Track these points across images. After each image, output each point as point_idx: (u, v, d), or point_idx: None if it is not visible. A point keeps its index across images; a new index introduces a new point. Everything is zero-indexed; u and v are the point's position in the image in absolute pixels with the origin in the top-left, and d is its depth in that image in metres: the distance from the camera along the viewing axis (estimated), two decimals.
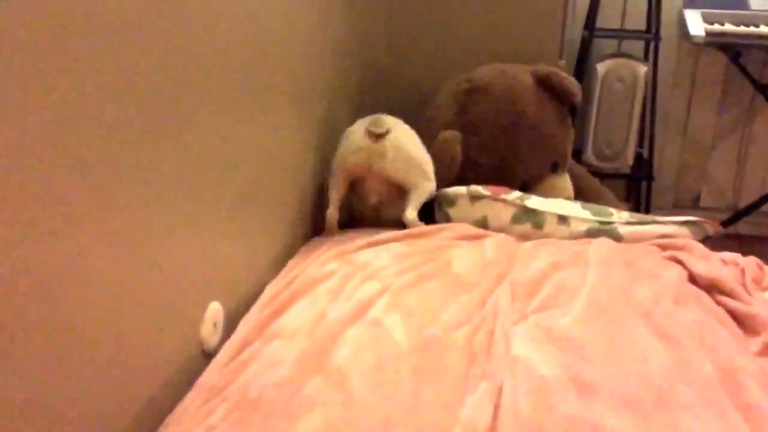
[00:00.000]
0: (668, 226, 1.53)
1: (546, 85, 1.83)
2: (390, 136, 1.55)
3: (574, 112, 1.93)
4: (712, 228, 1.52)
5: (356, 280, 1.29)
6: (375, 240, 1.48)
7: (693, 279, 1.31)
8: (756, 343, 1.07)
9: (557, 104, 1.86)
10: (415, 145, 1.60)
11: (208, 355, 1.12)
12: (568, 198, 1.88)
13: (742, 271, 1.33)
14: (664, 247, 1.48)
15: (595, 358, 1.05)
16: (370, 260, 1.37)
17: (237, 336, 1.13)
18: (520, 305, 1.25)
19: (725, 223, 2.53)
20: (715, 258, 1.37)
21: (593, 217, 1.57)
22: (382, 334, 1.10)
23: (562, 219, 1.57)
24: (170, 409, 0.99)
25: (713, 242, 2.50)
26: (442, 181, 1.70)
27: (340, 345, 1.07)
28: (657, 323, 1.13)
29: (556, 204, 1.61)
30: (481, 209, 1.59)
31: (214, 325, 1.14)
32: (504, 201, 1.59)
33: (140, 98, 0.90)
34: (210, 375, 1.03)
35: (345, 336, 1.09)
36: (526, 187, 1.82)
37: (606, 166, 2.49)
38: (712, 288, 1.25)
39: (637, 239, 1.52)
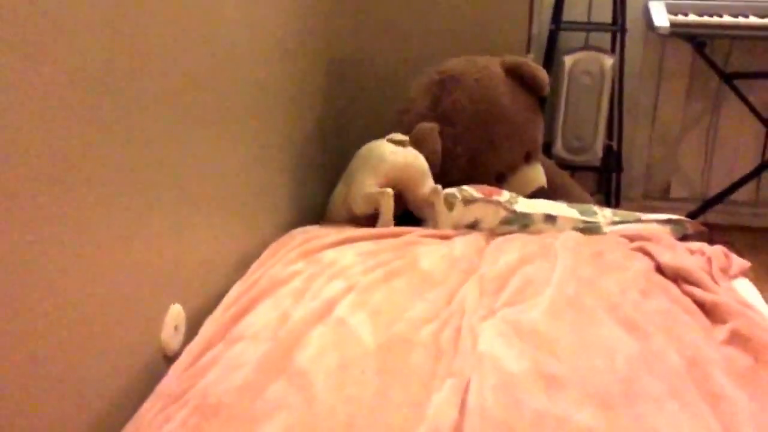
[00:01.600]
0: (650, 225, 1.53)
1: (516, 74, 1.83)
2: (410, 148, 1.64)
3: (543, 102, 1.92)
4: (692, 227, 1.53)
5: (322, 279, 1.27)
6: (344, 238, 1.46)
7: (660, 269, 1.31)
8: (722, 331, 1.07)
9: (527, 94, 1.85)
10: None
11: (169, 360, 1.09)
12: (541, 187, 1.87)
13: (709, 260, 1.33)
14: (631, 239, 1.48)
15: (563, 351, 1.04)
16: (336, 259, 1.35)
17: (199, 339, 1.10)
18: (488, 300, 1.23)
19: (694, 214, 2.55)
20: (681, 248, 1.37)
21: (579, 216, 1.56)
22: (347, 334, 1.08)
23: (549, 218, 1.57)
24: (128, 417, 0.96)
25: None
26: None
27: (304, 346, 1.04)
28: (624, 315, 1.12)
29: (543, 205, 1.60)
30: (473, 212, 1.58)
31: (175, 328, 1.11)
32: (497, 203, 1.57)
33: (96, 100, 0.87)
34: (170, 380, 1.00)
35: (309, 336, 1.07)
36: (502, 179, 1.81)
37: (576, 159, 2.49)
38: (678, 278, 1.25)
39: None
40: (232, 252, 1.37)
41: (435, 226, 1.59)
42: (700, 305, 1.15)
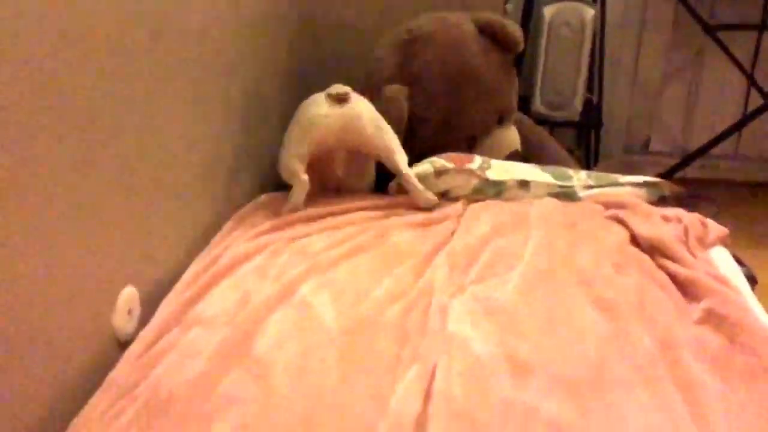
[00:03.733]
0: (626, 187, 1.48)
1: (488, 33, 1.74)
2: (353, 98, 1.44)
3: (518, 61, 1.85)
4: (669, 188, 1.49)
5: (284, 256, 1.22)
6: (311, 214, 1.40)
7: (635, 240, 1.27)
8: (697, 309, 1.04)
9: (501, 53, 1.77)
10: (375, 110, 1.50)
11: (123, 346, 1.04)
12: (514, 150, 1.81)
13: (686, 229, 1.29)
14: (607, 206, 1.44)
15: (532, 333, 1.00)
16: (300, 233, 1.30)
17: (153, 323, 1.05)
18: (458, 276, 1.19)
19: (674, 169, 2.51)
20: (657, 217, 1.33)
21: (554, 181, 1.51)
22: (310, 317, 1.04)
23: (523, 184, 1.51)
24: (80, 407, 0.91)
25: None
26: None
27: (263, 332, 1.00)
28: (596, 293, 1.09)
29: (516, 170, 1.54)
30: (445, 182, 1.51)
31: (129, 312, 1.06)
32: (469, 172, 1.51)
33: (35, 84, 0.79)
34: (122, 369, 0.96)
35: (269, 321, 1.02)
36: (473, 142, 1.75)
37: (555, 114, 2.42)
38: (653, 250, 1.21)
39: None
40: (193, 225, 1.31)
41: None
42: (675, 281, 1.12)
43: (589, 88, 2.56)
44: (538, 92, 2.43)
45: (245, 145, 1.57)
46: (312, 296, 1.09)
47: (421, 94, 1.67)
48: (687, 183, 2.68)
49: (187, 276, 1.18)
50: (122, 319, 1.04)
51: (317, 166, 1.47)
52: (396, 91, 1.64)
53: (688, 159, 2.50)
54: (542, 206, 1.42)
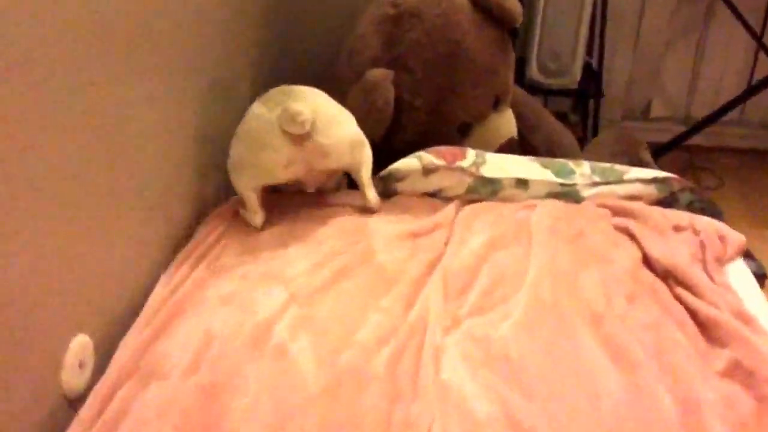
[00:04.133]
0: (634, 184, 1.35)
1: (483, 6, 1.57)
2: (317, 126, 1.19)
3: (515, 35, 1.67)
4: (679, 184, 1.35)
5: (256, 280, 1.09)
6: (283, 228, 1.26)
7: (647, 260, 1.15)
8: (721, 358, 0.93)
9: (496, 29, 1.60)
10: (340, 115, 1.28)
11: (75, 404, 0.91)
12: (511, 138, 1.66)
13: (701, 244, 1.17)
14: (614, 211, 1.31)
15: (538, 388, 0.89)
16: (275, 251, 1.17)
17: (108, 375, 0.92)
18: (453, 304, 1.08)
19: (677, 140, 2.38)
20: (669, 230, 1.21)
21: (554, 179, 1.37)
22: (287, 370, 0.92)
23: (521, 183, 1.37)
24: None
25: (661, 151, 2.36)
26: (374, 130, 1.44)
27: (233, 393, 0.88)
28: (608, 333, 0.97)
29: (513, 166, 1.39)
30: (435, 181, 1.37)
31: (80, 365, 0.93)
32: (461, 170, 1.36)
33: None
34: None
35: (240, 376, 0.90)
36: (467, 130, 1.59)
37: (552, 83, 2.26)
38: (668, 275, 1.10)
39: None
40: (157, 246, 1.17)
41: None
42: (695, 317, 1.00)
43: (588, 51, 2.38)
44: (534, 57, 2.25)
45: (219, 140, 1.42)
46: (290, 340, 0.96)
47: (408, 80, 1.50)
48: (690, 151, 2.55)
49: (147, 308, 1.05)
50: (72, 374, 0.92)
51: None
52: (380, 75, 1.47)
53: (691, 130, 2.36)
54: (544, 212, 1.29)
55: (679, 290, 1.06)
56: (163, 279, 1.12)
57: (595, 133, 2.38)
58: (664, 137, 2.46)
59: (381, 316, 1.03)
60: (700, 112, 2.51)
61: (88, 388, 0.92)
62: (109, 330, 1.02)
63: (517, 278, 1.11)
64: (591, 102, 2.42)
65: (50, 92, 0.84)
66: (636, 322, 0.99)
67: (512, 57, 1.67)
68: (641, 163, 1.62)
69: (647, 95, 2.60)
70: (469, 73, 1.54)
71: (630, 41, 2.51)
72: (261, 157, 1.20)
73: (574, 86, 2.28)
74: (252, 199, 1.24)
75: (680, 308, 1.03)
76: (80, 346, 0.93)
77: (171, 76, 1.19)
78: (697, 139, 2.48)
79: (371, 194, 1.30)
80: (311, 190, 1.33)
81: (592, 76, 2.34)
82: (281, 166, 1.20)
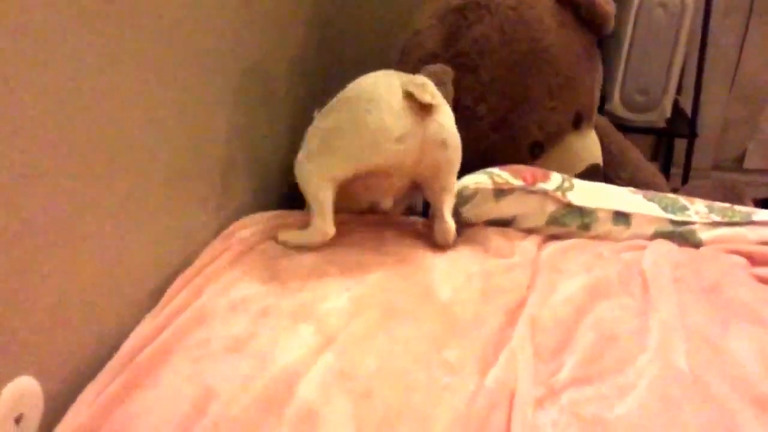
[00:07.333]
0: (766, 228, 1.03)
1: (570, 4, 1.30)
2: (440, 106, 0.97)
3: (601, 45, 1.39)
4: None
5: (279, 319, 0.80)
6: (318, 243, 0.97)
7: None
8: None
9: (583, 32, 1.32)
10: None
11: None
12: (595, 165, 1.37)
13: None
14: (751, 259, 0.99)
15: None
16: (306, 281, 0.88)
17: None
18: (545, 368, 0.76)
19: None
20: None
21: (664, 215, 1.06)
22: None
23: (620, 216, 1.06)
24: None
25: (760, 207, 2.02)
26: None
27: None
28: None
29: (610, 196, 1.10)
30: (509, 207, 1.08)
31: (17, 420, 0.64)
32: (543, 193, 1.07)
33: None
34: None
35: None
36: (539, 150, 1.31)
37: (637, 118, 1.96)
38: None
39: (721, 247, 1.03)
40: (146, 275, 0.89)
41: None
42: None
43: (678, 87, 2.09)
44: (617, 89, 1.96)
45: (239, 153, 1.15)
46: (321, 403, 0.66)
47: (472, 83, 1.22)
48: None
49: (124, 348, 0.76)
50: None
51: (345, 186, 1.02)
52: (439, 72, 1.19)
53: None
54: (659, 253, 0.98)
55: None
56: (149, 315, 0.84)
57: (684, 182, 2.06)
58: (759, 192, 2.13)
59: (448, 375, 0.72)
60: None
61: None
62: (70, 373, 0.73)
63: (635, 338, 0.80)
64: (677, 145, 2.11)
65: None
66: None
67: (600, 69, 1.39)
68: None
69: (742, 142, 2.28)
70: (547, 79, 1.26)
71: (726, 79, 2.20)
72: (371, 121, 0.93)
73: (662, 124, 1.98)
74: (328, 200, 0.96)
75: None
76: (19, 392, 0.64)
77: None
78: None
79: (450, 221, 1.01)
80: (387, 206, 1.05)
81: (680, 116, 2.04)
82: (392, 137, 0.92)
